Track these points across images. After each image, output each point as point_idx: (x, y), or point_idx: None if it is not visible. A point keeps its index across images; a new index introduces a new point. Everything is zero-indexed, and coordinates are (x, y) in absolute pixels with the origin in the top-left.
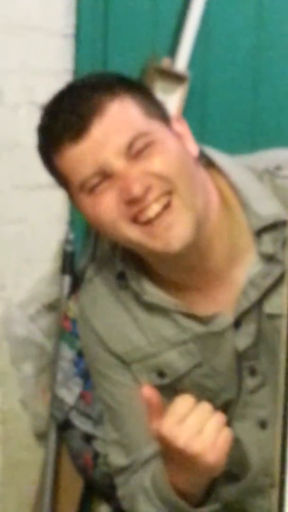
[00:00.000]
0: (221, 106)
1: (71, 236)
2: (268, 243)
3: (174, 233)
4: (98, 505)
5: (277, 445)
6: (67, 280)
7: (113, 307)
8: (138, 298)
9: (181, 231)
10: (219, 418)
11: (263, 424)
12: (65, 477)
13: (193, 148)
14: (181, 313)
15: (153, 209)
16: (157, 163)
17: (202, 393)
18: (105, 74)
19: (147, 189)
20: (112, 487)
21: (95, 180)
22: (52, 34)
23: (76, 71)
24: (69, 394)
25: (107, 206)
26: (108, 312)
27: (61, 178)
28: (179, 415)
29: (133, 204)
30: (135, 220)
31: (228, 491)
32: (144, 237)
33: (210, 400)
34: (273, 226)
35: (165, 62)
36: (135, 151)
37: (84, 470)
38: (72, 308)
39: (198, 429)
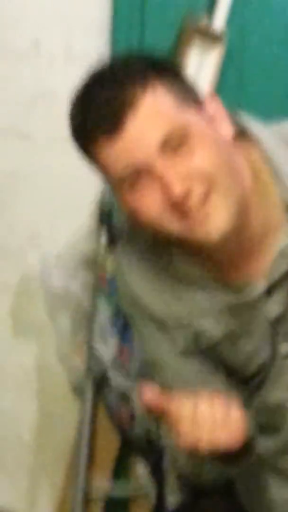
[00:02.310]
0: (259, 66)
1: (108, 191)
2: None
3: (213, 224)
4: (134, 462)
5: None
6: (103, 236)
7: (149, 273)
8: (169, 271)
9: (219, 223)
10: (220, 401)
11: None
12: (102, 433)
13: (228, 129)
14: (213, 284)
15: (194, 204)
16: (196, 162)
17: (237, 357)
18: (134, 59)
19: (189, 191)
20: (150, 444)
21: (133, 177)
22: None
23: (113, 24)
24: (106, 349)
25: (149, 205)
26: (145, 277)
27: (99, 169)
28: (187, 417)
29: (175, 204)
30: (177, 215)
31: (265, 447)
32: (185, 230)
33: (245, 364)
34: None
35: (202, 21)
36: (172, 146)
37: (121, 427)
38: (109, 267)
39: (212, 420)
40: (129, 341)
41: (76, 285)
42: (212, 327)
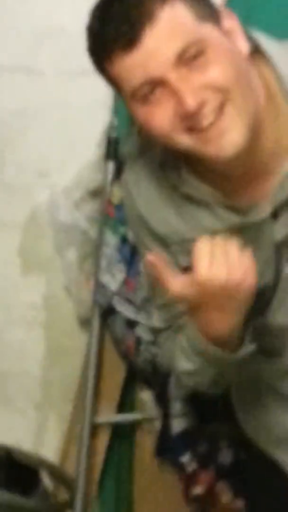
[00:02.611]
0: None
1: (115, 122)
2: None
3: (227, 139)
4: (140, 391)
5: None
6: (111, 166)
7: (155, 190)
8: (176, 189)
9: (234, 137)
10: (235, 244)
11: None
12: (108, 362)
13: (244, 45)
14: (219, 204)
15: (208, 120)
16: (212, 73)
17: None
18: None
19: (202, 103)
20: (155, 373)
21: (146, 89)
22: None
23: None
24: (113, 280)
25: (161, 118)
26: (150, 194)
27: (113, 83)
28: (206, 257)
29: (187, 118)
30: (191, 129)
31: (267, 371)
32: (198, 144)
33: None
34: None
35: None
36: (188, 58)
37: (127, 356)
38: (116, 194)
39: (228, 261)
40: (135, 274)
41: (83, 217)
42: None
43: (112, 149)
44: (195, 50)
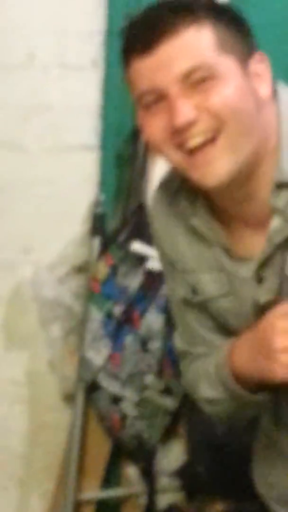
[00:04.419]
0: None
1: (101, 198)
2: (283, 199)
3: (212, 168)
4: (125, 466)
5: None
6: (96, 242)
7: (171, 216)
8: (186, 219)
9: (219, 169)
10: None
11: None
12: (92, 438)
13: (266, 90)
14: (218, 243)
15: (195, 140)
16: (212, 99)
17: (224, 326)
18: None
19: (192, 122)
20: (140, 448)
21: (150, 98)
22: None
23: (108, 32)
24: (98, 356)
25: (155, 128)
26: (166, 218)
27: (130, 86)
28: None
29: (177, 133)
30: (180, 146)
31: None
32: (185, 165)
33: (232, 335)
34: None
35: None
36: (193, 80)
37: (111, 432)
38: (102, 270)
39: None
40: (120, 349)
41: (68, 293)
42: (210, 283)
43: (98, 225)
44: (204, 75)
